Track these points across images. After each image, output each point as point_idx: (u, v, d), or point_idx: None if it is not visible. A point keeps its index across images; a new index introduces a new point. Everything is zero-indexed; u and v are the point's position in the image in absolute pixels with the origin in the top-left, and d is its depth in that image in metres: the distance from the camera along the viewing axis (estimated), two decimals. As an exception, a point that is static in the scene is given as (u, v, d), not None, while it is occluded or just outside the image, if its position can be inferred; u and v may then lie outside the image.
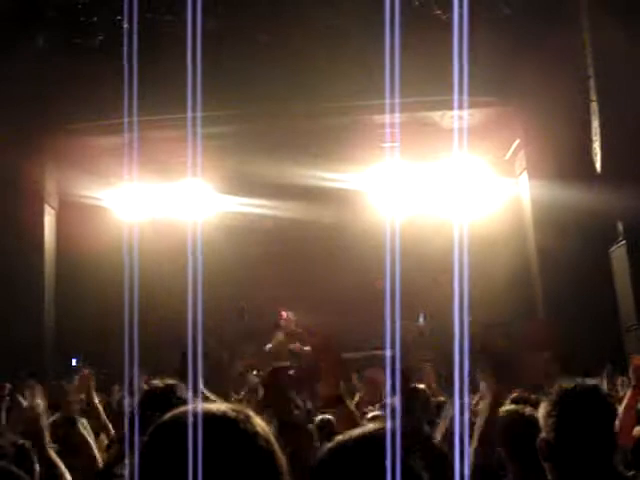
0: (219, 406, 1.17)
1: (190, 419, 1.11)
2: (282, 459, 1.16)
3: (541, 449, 2.28)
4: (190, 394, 2.09)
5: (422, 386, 6.22)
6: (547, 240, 9.70)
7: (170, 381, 2.31)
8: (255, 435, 1.13)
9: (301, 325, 11.56)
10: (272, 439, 1.16)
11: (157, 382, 2.27)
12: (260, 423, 1.16)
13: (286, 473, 1.16)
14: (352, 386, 8.53)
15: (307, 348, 11.38)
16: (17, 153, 9.72)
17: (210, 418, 1.13)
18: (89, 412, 4.81)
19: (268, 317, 12.12)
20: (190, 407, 1.16)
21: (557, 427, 2.25)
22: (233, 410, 1.16)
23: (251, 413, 1.17)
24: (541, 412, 2.34)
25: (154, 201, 11.62)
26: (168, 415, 1.17)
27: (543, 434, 2.30)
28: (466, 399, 5.37)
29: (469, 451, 2.50)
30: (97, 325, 11.85)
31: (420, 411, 5.70)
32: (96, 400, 4.94)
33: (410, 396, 5.90)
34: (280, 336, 11.38)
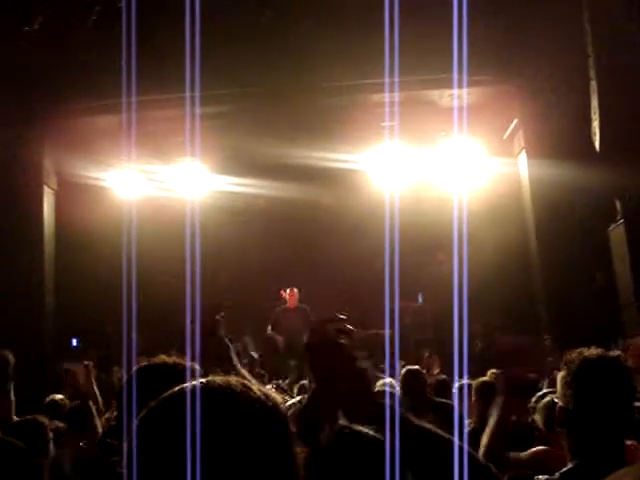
0: (219, 377, 1.16)
1: (190, 391, 1.10)
2: (288, 427, 1.16)
3: (558, 416, 2.32)
4: (190, 372, 2.10)
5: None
6: (545, 220, 9.71)
7: (170, 359, 2.32)
8: (260, 405, 1.12)
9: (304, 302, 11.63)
10: (277, 408, 1.15)
11: (157, 358, 2.28)
12: (263, 392, 1.16)
13: (294, 444, 1.16)
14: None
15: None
16: (15, 134, 9.69)
17: (211, 389, 1.12)
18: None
19: (265, 297, 12.17)
20: (190, 382, 1.15)
21: (575, 397, 2.27)
22: (235, 381, 1.15)
23: (252, 384, 1.16)
24: (559, 380, 2.36)
25: (152, 180, 11.61)
26: (169, 391, 1.16)
27: (560, 402, 2.33)
28: (465, 380, 5.39)
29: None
30: (96, 305, 11.90)
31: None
32: (95, 390, 5.23)
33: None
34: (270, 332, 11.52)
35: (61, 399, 5.91)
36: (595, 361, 2.29)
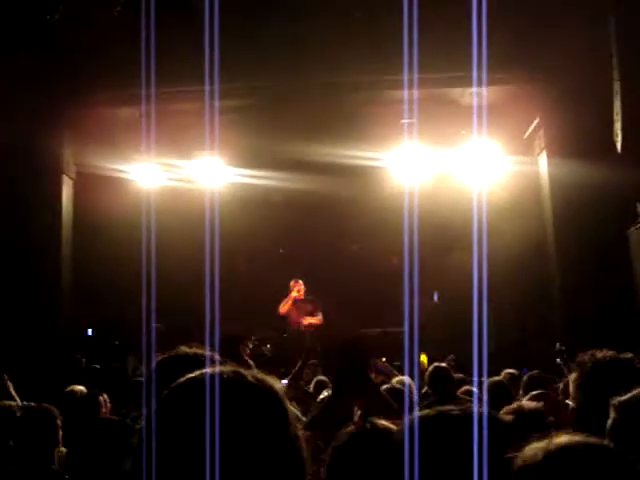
0: (233, 368, 1.22)
1: (207, 380, 1.17)
2: (295, 421, 1.21)
3: (570, 416, 2.30)
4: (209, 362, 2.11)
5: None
6: (565, 221, 9.64)
7: (190, 349, 2.33)
8: (272, 396, 1.19)
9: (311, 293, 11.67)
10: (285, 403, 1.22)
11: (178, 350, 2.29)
12: (275, 384, 1.22)
13: (299, 436, 1.21)
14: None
15: (317, 319, 11.47)
16: (36, 124, 9.76)
17: (226, 379, 1.18)
18: None
19: (277, 289, 12.18)
20: (207, 370, 1.21)
21: (586, 398, 2.26)
22: (247, 372, 1.22)
23: (264, 375, 1.23)
24: (572, 382, 2.35)
25: (170, 172, 11.65)
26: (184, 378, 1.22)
27: (573, 404, 2.32)
28: (484, 378, 5.39)
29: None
30: (113, 295, 11.97)
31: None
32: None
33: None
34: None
35: (80, 390, 5.94)
36: (607, 363, 2.26)
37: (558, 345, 8.31)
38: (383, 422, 2.08)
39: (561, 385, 5.28)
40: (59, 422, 4.05)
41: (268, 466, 1.13)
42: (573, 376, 2.35)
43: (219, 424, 1.11)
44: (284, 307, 11.49)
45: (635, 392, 1.82)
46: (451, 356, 8.95)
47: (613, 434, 1.67)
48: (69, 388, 6.08)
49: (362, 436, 1.99)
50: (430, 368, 6.16)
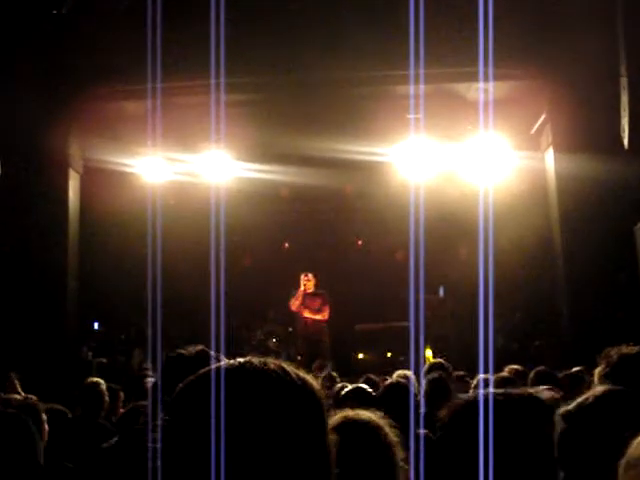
0: (256, 359, 1.15)
1: (226, 370, 1.11)
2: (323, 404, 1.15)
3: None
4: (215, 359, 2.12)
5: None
6: (571, 216, 9.61)
7: (198, 347, 2.34)
8: (295, 387, 1.12)
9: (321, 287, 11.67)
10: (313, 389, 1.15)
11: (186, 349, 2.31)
12: (300, 375, 1.15)
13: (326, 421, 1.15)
14: None
15: (322, 314, 11.48)
16: (42, 118, 9.77)
17: (248, 368, 1.12)
18: None
19: (286, 282, 12.19)
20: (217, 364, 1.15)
21: None
22: (272, 363, 1.14)
23: (285, 365, 1.15)
24: (597, 375, 2.38)
25: (176, 166, 11.66)
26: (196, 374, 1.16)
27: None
28: (490, 375, 5.41)
29: None
30: (119, 288, 12.01)
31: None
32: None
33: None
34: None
35: (97, 381, 5.91)
36: (633, 357, 2.28)
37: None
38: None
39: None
40: (44, 417, 4.06)
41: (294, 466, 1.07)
42: (598, 369, 2.38)
43: (262, 421, 1.05)
44: (295, 303, 11.47)
45: (580, 400, 1.85)
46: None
47: (562, 444, 1.67)
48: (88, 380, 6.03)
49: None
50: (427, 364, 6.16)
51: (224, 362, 1.16)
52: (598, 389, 1.95)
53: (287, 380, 1.11)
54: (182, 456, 1.07)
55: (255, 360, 1.14)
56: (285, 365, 1.14)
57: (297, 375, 1.13)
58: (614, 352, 2.34)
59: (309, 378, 1.14)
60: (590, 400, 1.87)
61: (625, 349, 2.34)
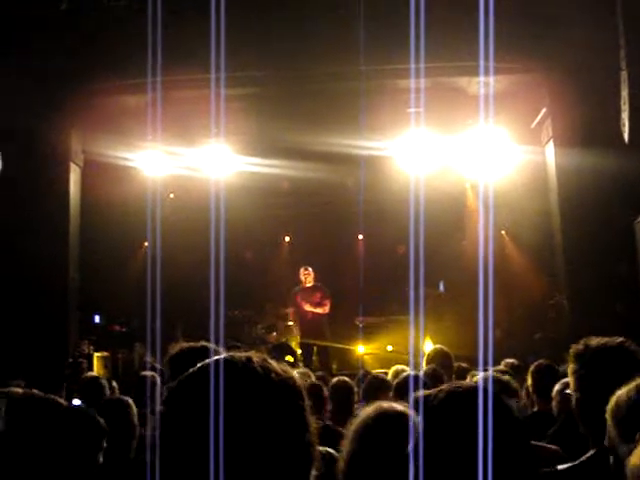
0: (242, 354, 1.23)
1: (214, 365, 1.17)
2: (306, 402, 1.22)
3: (573, 406, 2.32)
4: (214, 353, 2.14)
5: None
6: (572, 210, 9.62)
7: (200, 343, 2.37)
8: (276, 377, 1.19)
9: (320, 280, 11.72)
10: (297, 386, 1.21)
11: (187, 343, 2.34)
12: (281, 367, 1.22)
13: (309, 420, 1.21)
14: None
15: (323, 308, 11.51)
16: (43, 112, 9.77)
17: (234, 365, 1.19)
18: None
19: (287, 277, 12.22)
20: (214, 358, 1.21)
21: (581, 385, 2.27)
22: (256, 357, 1.21)
23: (272, 361, 1.22)
24: (569, 372, 2.36)
25: (176, 160, 11.66)
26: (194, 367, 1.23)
27: (571, 391, 2.33)
28: (490, 368, 5.44)
29: None
30: (120, 281, 12.02)
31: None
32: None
33: None
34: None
35: (97, 375, 5.97)
36: (598, 349, 2.27)
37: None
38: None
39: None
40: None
41: (277, 458, 1.13)
42: (569, 366, 2.36)
43: (242, 414, 1.12)
44: (293, 303, 11.62)
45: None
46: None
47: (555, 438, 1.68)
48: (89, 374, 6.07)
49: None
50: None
51: (215, 357, 1.22)
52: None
53: (268, 376, 1.17)
54: (175, 446, 1.15)
55: (238, 356, 1.21)
56: (268, 361, 1.21)
57: (278, 371, 1.20)
58: (580, 347, 2.32)
59: (291, 373, 1.22)
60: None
61: (591, 342, 2.31)
